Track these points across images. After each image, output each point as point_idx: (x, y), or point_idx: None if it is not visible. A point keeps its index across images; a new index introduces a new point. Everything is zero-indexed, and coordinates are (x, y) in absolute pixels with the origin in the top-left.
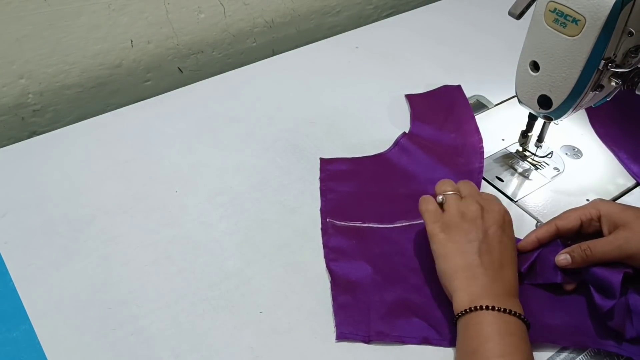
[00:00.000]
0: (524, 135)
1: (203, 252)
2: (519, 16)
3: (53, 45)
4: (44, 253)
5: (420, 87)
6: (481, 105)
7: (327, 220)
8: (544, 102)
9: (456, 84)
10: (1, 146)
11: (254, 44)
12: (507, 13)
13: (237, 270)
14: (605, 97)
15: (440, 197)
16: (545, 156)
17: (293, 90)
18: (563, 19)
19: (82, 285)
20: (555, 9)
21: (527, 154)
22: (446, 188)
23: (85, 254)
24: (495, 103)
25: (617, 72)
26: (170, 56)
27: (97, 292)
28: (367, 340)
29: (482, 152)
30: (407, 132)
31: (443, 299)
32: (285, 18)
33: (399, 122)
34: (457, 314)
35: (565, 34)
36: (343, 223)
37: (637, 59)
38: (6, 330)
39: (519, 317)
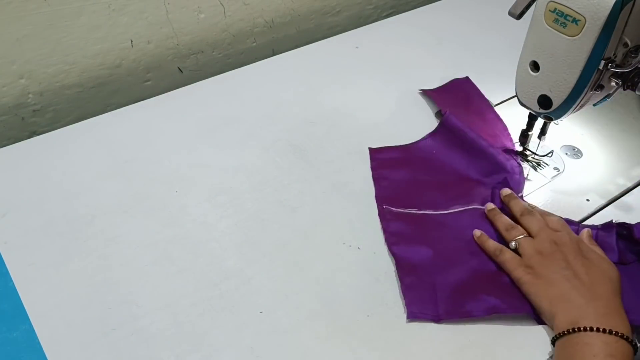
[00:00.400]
0: (524, 135)
1: (203, 252)
2: (519, 16)
3: (53, 45)
4: (44, 253)
5: (421, 87)
6: None
7: (384, 206)
8: (544, 102)
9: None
10: (1, 146)
11: (254, 44)
12: (507, 13)
13: (237, 270)
14: (605, 97)
15: (513, 244)
16: (546, 155)
17: (293, 90)
18: (563, 19)
19: (82, 285)
20: (555, 9)
21: (528, 153)
22: (515, 234)
23: (85, 254)
24: (495, 103)
25: (617, 72)
26: (170, 56)
27: (97, 292)
28: (437, 320)
29: (511, 138)
30: (446, 114)
31: (506, 276)
32: (285, 18)
33: (399, 122)
34: (556, 335)
35: (565, 34)
36: (399, 210)
37: (637, 59)
38: (6, 330)
39: (626, 339)
